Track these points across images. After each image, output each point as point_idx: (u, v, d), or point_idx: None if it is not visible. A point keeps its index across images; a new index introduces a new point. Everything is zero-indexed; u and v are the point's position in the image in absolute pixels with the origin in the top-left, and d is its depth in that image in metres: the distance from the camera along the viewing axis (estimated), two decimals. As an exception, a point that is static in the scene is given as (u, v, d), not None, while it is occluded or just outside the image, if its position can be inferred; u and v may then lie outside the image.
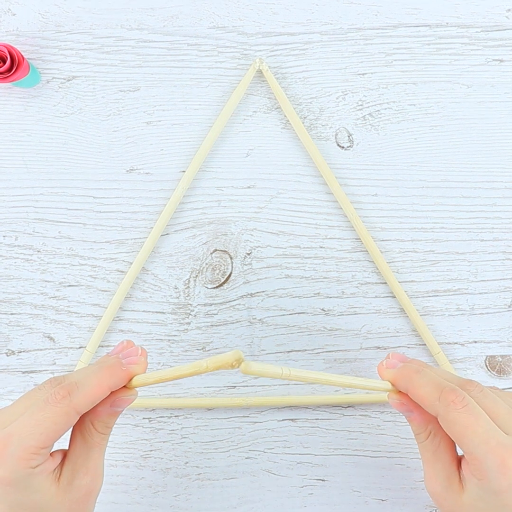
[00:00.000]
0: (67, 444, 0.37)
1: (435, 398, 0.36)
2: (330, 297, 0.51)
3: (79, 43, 0.51)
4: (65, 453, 0.37)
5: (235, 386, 0.50)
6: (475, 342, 0.51)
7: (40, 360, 0.50)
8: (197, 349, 0.50)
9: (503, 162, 0.51)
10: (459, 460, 0.38)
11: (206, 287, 0.51)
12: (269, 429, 0.50)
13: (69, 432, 0.36)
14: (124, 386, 0.37)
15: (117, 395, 0.37)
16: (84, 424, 0.37)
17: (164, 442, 0.50)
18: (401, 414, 0.50)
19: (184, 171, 0.51)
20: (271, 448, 0.50)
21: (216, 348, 0.50)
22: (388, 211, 0.51)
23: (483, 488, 0.35)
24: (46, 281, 0.51)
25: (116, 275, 0.51)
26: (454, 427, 0.35)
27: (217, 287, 0.51)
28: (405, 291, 0.50)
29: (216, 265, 0.51)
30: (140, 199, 0.51)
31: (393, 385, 0.39)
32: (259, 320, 0.51)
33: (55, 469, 0.36)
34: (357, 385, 0.38)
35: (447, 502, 0.37)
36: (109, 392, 0.36)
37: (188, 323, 0.51)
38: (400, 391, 0.39)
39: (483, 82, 0.52)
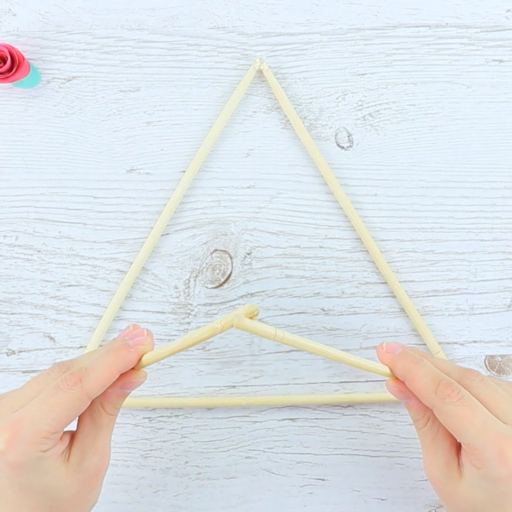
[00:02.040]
0: (74, 425, 0.37)
1: (432, 390, 0.36)
2: (330, 297, 0.51)
3: (80, 43, 0.51)
4: (72, 435, 0.37)
5: (235, 386, 0.51)
6: (475, 342, 0.51)
7: (40, 360, 0.50)
8: (197, 349, 0.51)
9: (503, 162, 0.51)
10: (458, 446, 0.38)
11: (206, 287, 0.51)
12: (269, 428, 0.50)
13: None
14: (133, 368, 0.37)
15: (127, 377, 0.37)
16: (93, 406, 0.37)
17: (164, 441, 0.50)
18: (398, 410, 0.50)
19: (184, 171, 0.51)
20: (271, 448, 0.50)
21: (216, 348, 0.50)
22: (388, 211, 0.51)
23: (482, 476, 0.35)
24: (46, 281, 0.51)
25: (116, 275, 0.51)
26: (451, 420, 0.36)
27: (217, 287, 0.51)
28: (405, 291, 0.50)
29: (216, 265, 0.51)
30: (140, 199, 0.51)
31: (390, 370, 0.39)
32: (259, 320, 0.51)
33: (63, 450, 0.36)
34: (354, 363, 0.38)
35: (446, 488, 0.38)
36: (119, 375, 0.36)
37: (188, 323, 0.51)
38: (396, 377, 0.39)
39: (482, 82, 0.52)
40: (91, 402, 0.36)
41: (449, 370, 0.38)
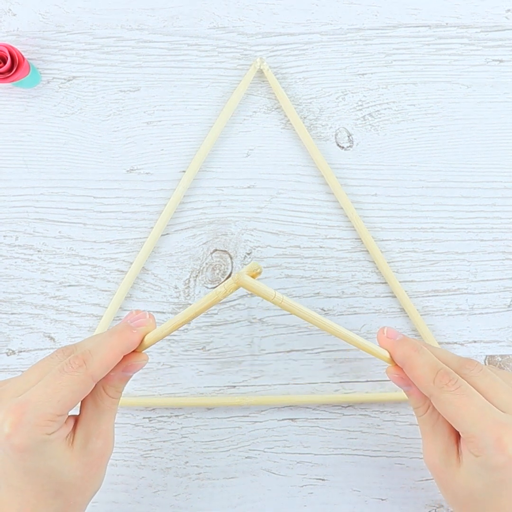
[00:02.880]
0: (77, 410, 0.38)
1: (430, 379, 0.37)
2: (330, 297, 0.51)
3: (80, 43, 0.51)
4: (76, 419, 0.38)
5: (235, 386, 0.50)
6: (475, 342, 0.51)
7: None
8: (197, 349, 0.51)
9: (503, 162, 0.51)
10: (457, 434, 0.38)
11: (206, 287, 0.51)
12: (269, 428, 0.50)
13: None
14: (135, 351, 0.38)
15: (130, 360, 0.38)
16: (96, 389, 0.37)
17: (164, 441, 0.50)
18: (398, 410, 0.50)
19: (184, 171, 0.51)
20: (271, 448, 0.50)
21: (216, 348, 0.50)
22: (388, 211, 0.51)
23: (480, 464, 0.35)
24: (46, 281, 0.51)
25: (116, 275, 0.51)
26: (448, 408, 0.36)
27: (217, 287, 0.51)
28: (405, 291, 0.50)
29: (216, 265, 0.51)
30: (140, 199, 0.51)
31: (390, 355, 0.39)
32: (259, 319, 0.51)
33: (68, 434, 0.36)
34: (352, 340, 0.38)
35: (445, 475, 0.38)
36: (122, 357, 0.37)
37: (188, 323, 0.51)
38: (395, 364, 0.39)
39: (482, 82, 0.52)
40: (94, 386, 0.36)
41: (448, 359, 0.39)
